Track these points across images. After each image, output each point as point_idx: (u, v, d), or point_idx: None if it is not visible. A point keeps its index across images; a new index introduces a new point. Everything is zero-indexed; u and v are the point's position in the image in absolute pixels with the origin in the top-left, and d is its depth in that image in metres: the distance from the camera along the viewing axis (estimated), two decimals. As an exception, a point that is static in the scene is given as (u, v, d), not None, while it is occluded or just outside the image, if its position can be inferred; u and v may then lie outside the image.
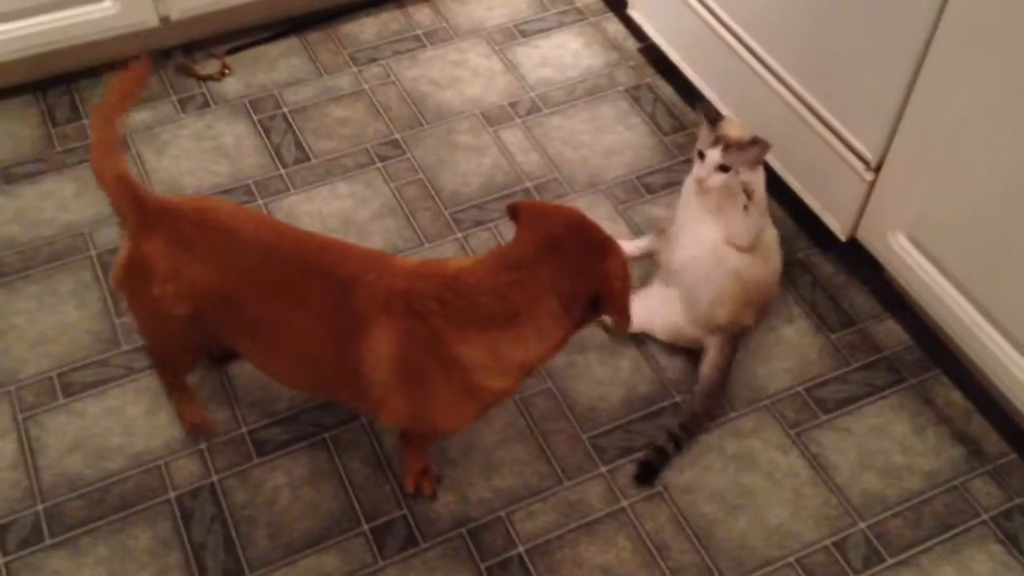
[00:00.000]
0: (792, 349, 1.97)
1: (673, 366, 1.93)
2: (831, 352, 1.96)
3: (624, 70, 2.48)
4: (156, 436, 1.81)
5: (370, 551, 1.69)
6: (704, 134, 1.83)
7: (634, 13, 2.44)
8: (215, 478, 1.76)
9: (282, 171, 2.24)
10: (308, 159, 2.26)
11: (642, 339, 1.96)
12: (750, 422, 1.86)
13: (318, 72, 2.45)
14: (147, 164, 2.23)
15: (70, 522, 1.70)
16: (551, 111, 2.38)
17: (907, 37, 1.69)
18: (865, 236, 1.95)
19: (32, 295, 1.99)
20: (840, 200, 1.96)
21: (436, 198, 2.19)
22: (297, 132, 2.32)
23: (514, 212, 1.49)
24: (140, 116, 2.33)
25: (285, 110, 2.36)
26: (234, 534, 1.70)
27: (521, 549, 1.70)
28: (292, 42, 2.52)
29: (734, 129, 1.84)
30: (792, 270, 2.09)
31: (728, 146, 1.79)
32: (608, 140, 2.32)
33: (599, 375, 1.92)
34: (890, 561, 1.70)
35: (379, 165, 2.26)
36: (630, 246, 2.01)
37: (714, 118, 1.86)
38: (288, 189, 2.20)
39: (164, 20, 2.31)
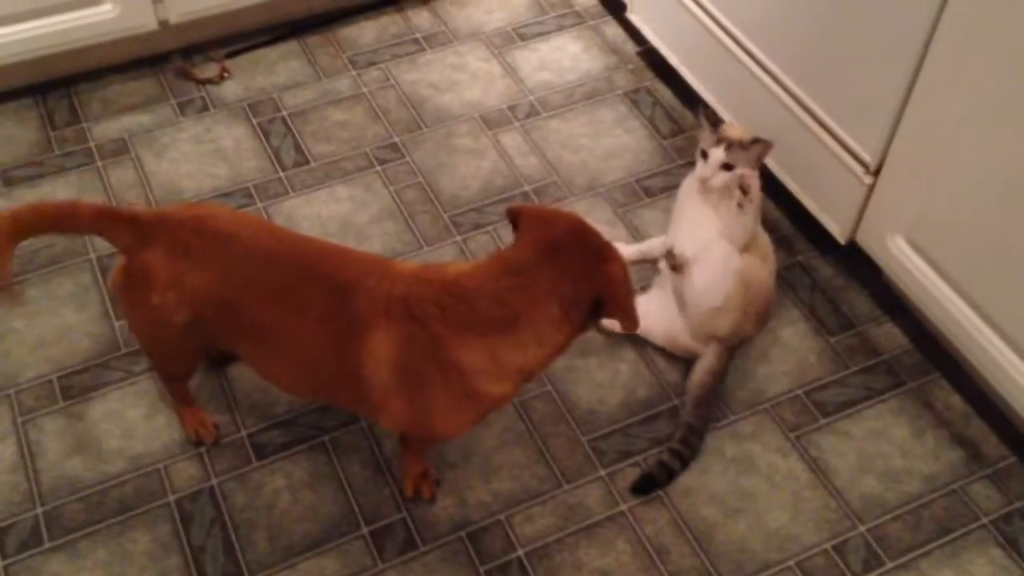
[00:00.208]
0: (791, 352, 1.97)
1: (672, 369, 1.93)
2: (830, 355, 1.96)
3: (623, 74, 2.48)
4: (155, 439, 1.81)
5: (369, 554, 1.68)
6: (707, 135, 1.84)
7: (633, 17, 2.44)
8: (214, 481, 1.76)
9: (281, 174, 2.24)
10: (307, 162, 2.26)
11: (641, 342, 1.96)
12: (749, 425, 1.86)
13: (317, 75, 2.45)
14: (146, 167, 2.23)
15: (69, 525, 1.70)
16: (550, 114, 2.38)
17: (906, 40, 1.69)
18: (864, 239, 1.95)
19: (31, 299, 1.99)
20: (839, 203, 1.97)
21: (435, 201, 2.20)
22: (296, 135, 2.32)
23: (513, 217, 1.49)
24: (139, 119, 2.33)
25: (284, 113, 2.36)
26: (233, 537, 1.70)
27: (520, 552, 1.70)
28: (291, 45, 2.52)
29: (735, 131, 1.84)
30: (791, 273, 2.09)
31: (731, 145, 1.80)
32: (607, 143, 2.32)
33: (598, 378, 1.92)
34: (890, 565, 1.70)
35: (378, 168, 2.26)
36: (628, 250, 2.01)
37: (716, 120, 1.87)
38: (287, 192, 2.20)
39: (163, 24, 2.31)
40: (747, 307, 1.84)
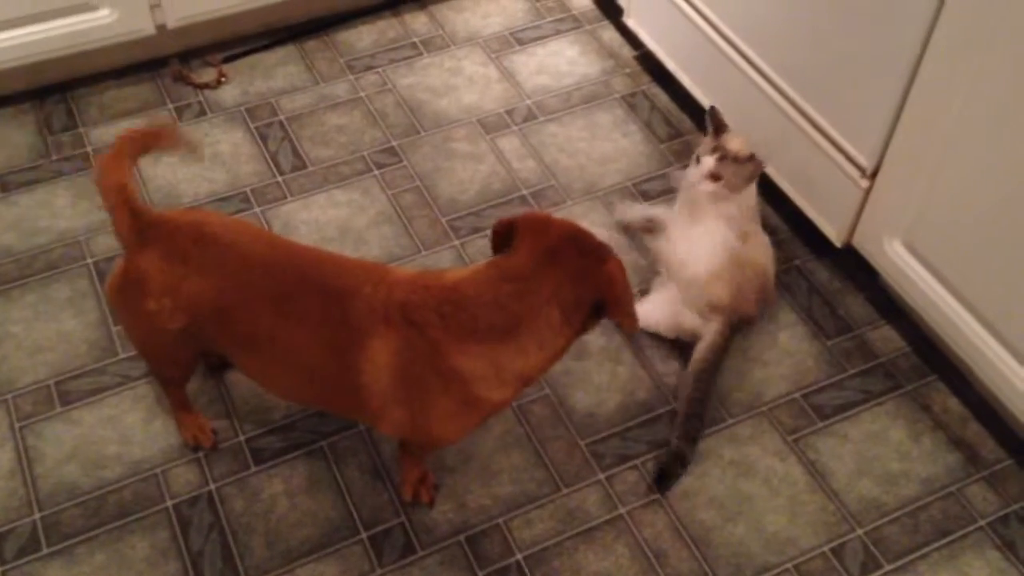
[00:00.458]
0: (788, 355, 1.97)
1: (671, 372, 1.93)
2: (827, 358, 1.97)
3: (620, 78, 2.49)
4: (153, 444, 1.80)
5: (368, 559, 1.68)
6: (707, 140, 1.85)
7: (630, 21, 2.45)
8: (213, 486, 1.76)
9: (279, 179, 2.24)
10: (305, 167, 2.26)
11: (640, 345, 1.96)
12: (747, 428, 1.86)
13: (315, 80, 2.45)
14: (144, 172, 2.23)
15: (67, 531, 1.70)
16: (547, 118, 2.39)
17: (902, 45, 1.70)
18: (861, 242, 1.96)
19: (29, 304, 1.99)
20: (836, 207, 1.97)
21: (433, 205, 2.20)
22: (294, 140, 2.32)
23: (499, 232, 1.48)
24: (137, 124, 2.33)
25: (282, 118, 2.36)
26: (232, 542, 1.70)
27: (519, 556, 1.70)
28: (289, 50, 2.52)
29: (735, 142, 1.85)
30: (788, 276, 2.09)
31: (724, 157, 1.81)
32: (604, 147, 2.33)
33: (597, 381, 1.92)
34: (887, 567, 1.70)
35: (376, 173, 2.26)
36: (633, 211, 2.08)
37: (720, 126, 1.88)
38: (285, 197, 2.20)
39: (161, 28, 2.31)
40: (743, 283, 1.85)
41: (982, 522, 1.76)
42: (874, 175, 1.86)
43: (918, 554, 1.72)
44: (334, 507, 1.74)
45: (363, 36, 2.57)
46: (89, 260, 2.06)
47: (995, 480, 1.81)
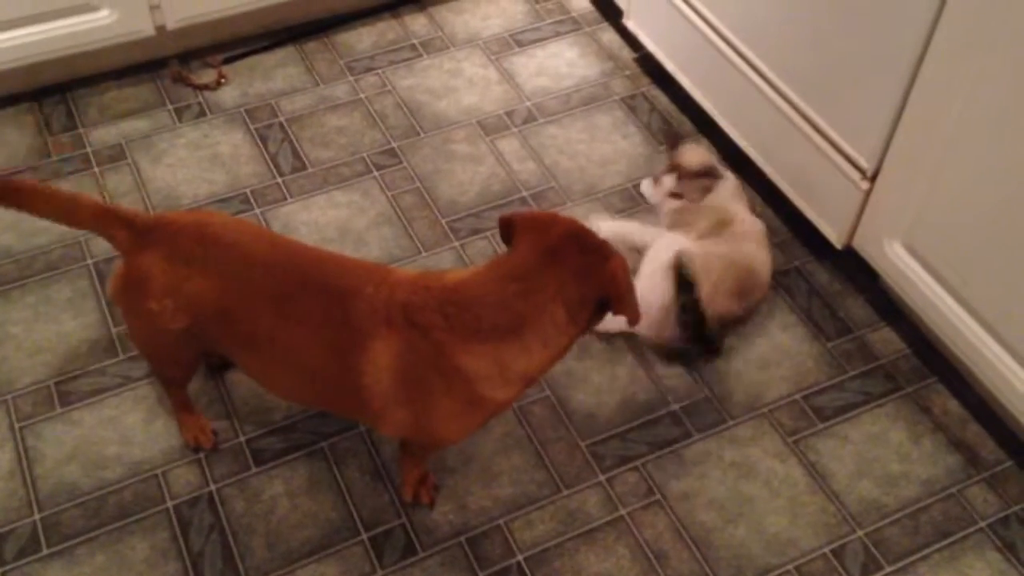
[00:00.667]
0: (789, 357, 1.97)
1: (671, 373, 1.93)
2: (828, 360, 1.97)
3: (620, 80, 2.49)
4: (154, 445, 1.80)
5: (368, 560, 1.68)
6: (666, 160, 1.89)
7: (629, 23, 2.45)
8: (213, 487, 1.76)
9: (279, 180, 2.24)
10: (305, 168, 2.26)
11: (639, 346, 1.96)
12: (748, 430, 1.86)
13: (315, 81, 2.45)
14: (143, 173, 2.23)
15: (67, 532, 1.69)
16: (547, 120, 2.39)
17: (903, 46, 1.70)
18: (861, 244, 1.96)
19: (29, 304, 1.99)
20: (836, 208, 1.97)
21: (433, 207, 2.20)
22: (294, 141, 2.32)
23: (506, 225, 1.49)
24: (137, 125, 2.33)
25: (282, 119, 2.36)
26: (232, 543, 1.69)
27: (520, 558, 1.70)
28: (289, 51, 2.52)
29: (692, 155, 1.88)
30: (788, 278, 2.09)
31: (681, 176, 1.84)
32: (604, 149, 2.33)
33: (597, 383, 1.92)
34: (888, 569, 1.70)
35: (376, 174, 2.26)
36: (607, 226, 2.05)
37: (675, 142, 1.91)
38: (285, 198, 2.20)
39: (160, 29, 2.31)
40: (717, 283, 1.84)
41: (982, 523, 1.76)
42: (874, 177, 1.86)
43: (918, 555, 1.72)
44: (335, 508, 1.74)
45: (363, 38, 2.57)
46: (89, 261, 2.06)
47: (995, 481, 1.81)
